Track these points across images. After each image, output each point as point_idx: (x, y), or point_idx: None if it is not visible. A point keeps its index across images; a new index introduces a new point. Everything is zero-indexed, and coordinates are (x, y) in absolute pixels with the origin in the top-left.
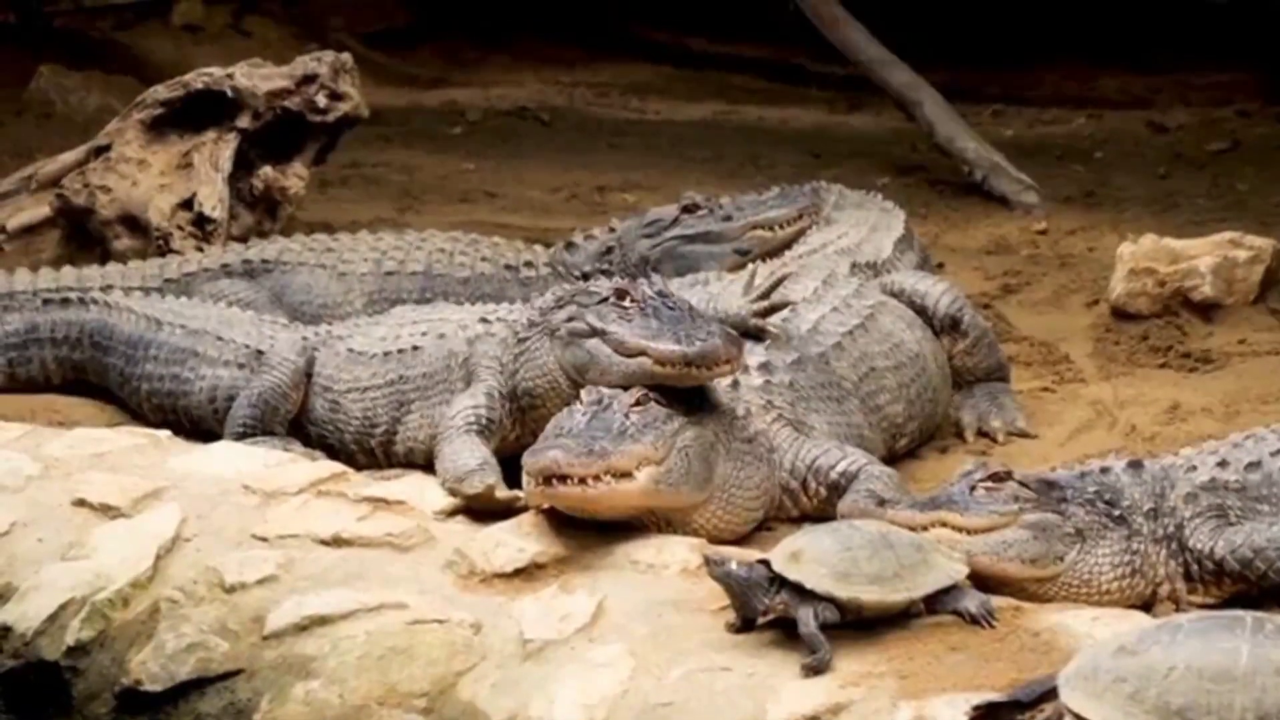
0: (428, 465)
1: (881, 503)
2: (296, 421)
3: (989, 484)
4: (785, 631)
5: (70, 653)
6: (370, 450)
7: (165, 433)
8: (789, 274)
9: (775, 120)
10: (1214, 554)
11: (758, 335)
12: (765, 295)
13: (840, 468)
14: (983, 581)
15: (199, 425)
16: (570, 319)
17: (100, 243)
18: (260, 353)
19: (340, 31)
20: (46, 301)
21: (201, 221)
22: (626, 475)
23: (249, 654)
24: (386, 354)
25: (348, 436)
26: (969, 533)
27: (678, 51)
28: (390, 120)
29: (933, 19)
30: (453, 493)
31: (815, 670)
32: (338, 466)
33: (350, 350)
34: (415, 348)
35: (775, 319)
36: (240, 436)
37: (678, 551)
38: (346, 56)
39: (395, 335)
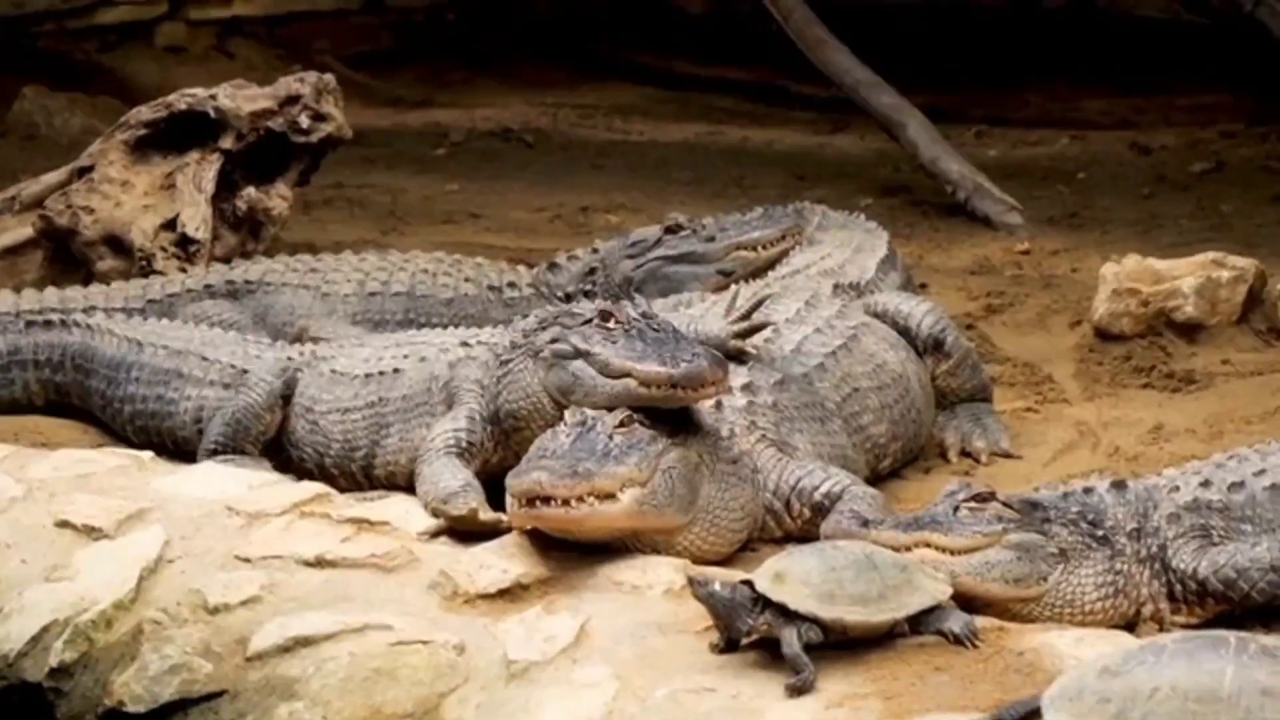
0: (409, 488)
1: (865, 523)
2: (279, 444)
3: (972, 504)
4: (770, 652)
5: (53, 674)
6: (351, 474)
7: (148, 454)
8: (770, 295)
9: (759, 142)
10: (1197, 574)
11: (738, 356)
12: (746, 316)
13: (824, 488)
14: (966, 602)
15: (183, 447)
16: (554, 340)
17: (84, 264)
18: (246, 371)
19: (324, 53)
20: (29, 323)
21: (185, 242)
22: (610, 497)
23: (233, 675)
24: (367, 376)
25: (328, 460)
26: (952, 553)
27: (662, 73)
28: (374, 142)
29: (916, 41)
30: (436, 514)
31: (799, 691)
32: (321, 487)
33: (333, 371)
34: (396, 370)
35: (756, 340)
36: (212, 454)
37: (662, 572)
38: (329, 77)
39: (377, 357)
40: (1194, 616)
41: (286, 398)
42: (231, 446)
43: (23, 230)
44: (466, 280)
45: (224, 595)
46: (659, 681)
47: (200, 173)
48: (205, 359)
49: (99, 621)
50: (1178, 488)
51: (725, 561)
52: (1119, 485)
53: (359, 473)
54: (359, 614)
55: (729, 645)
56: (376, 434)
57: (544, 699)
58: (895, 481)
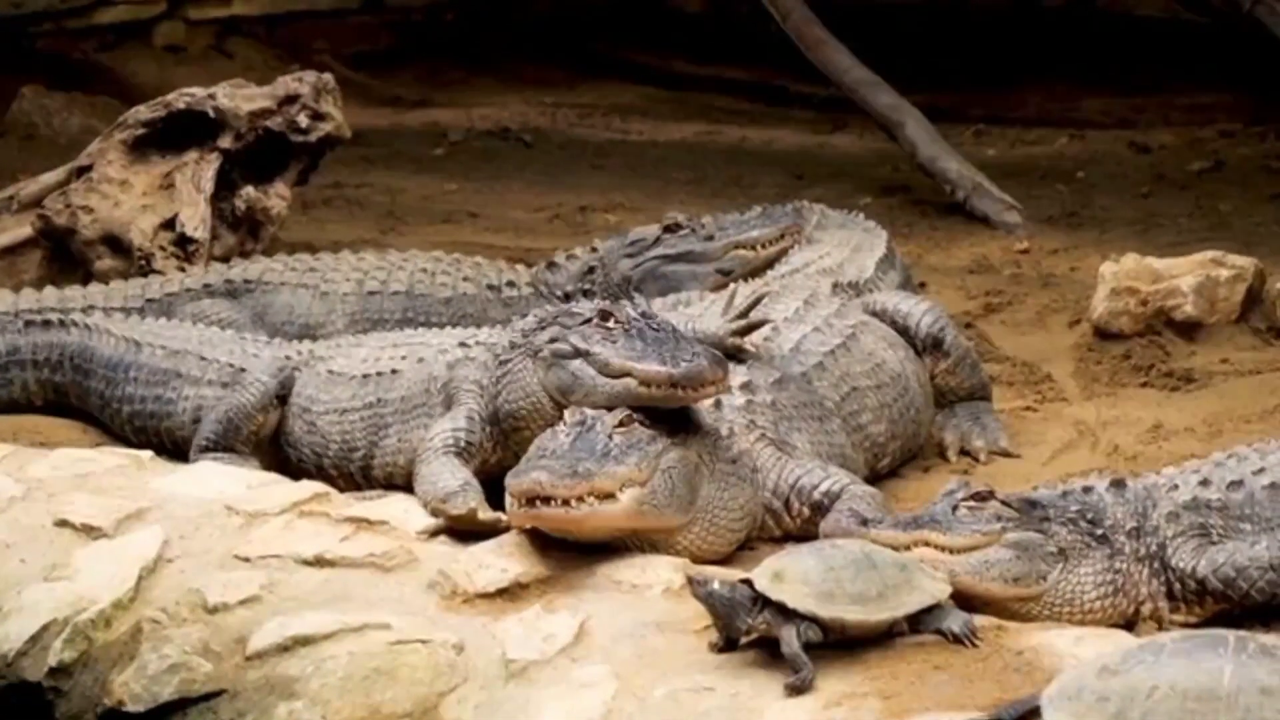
0: (408, 488)
1: (864, 522)
2: (278, 444)
3: (971, 503)
4: (769, 651)
5: (53, 674)
6: (350, 474)
7: (148, 453)
8: (768, 293)
9: (758, 141)
10: (1196, 573)
11: (736, 354)
12: (744, 314)
13: (823, 487)
14: (965, 601)
15: (182, 446)
16: (553, 340)
17: (82, 263)
18: (244, 370)
19: (323, 53)
20: (28, 323)
21: (184, 242)
22: (610, 497)
23: (232, 675)
24: (365, 376)
25: (326, 461)
26: (951, 552)
27: (661, 73)
28: (373, 141)
29: (915, 40)
30: (435, 514)
31: (798, 690)
32: (320, 487)
33: (330, 372)
34: (394, 371)
35: (755, 338)
36: (203, 450)
37: (661, 571)
38: (328, 77)
39: (375, 358)
40: (1193, 615)
41: (283, 398)
42: (223, 445)
43: (21, 230)
44: (465, 280)
45: (223, 595)
46: (658, 681)
47: (199, 172)
48: (203, 358)
49: (98, 621)
50: (1177, 486)
51: (724, 560)
52: (1118, 484)
53: (357, 473)
54: (358, 613)
55: (728, 644)
56: (375, 435)
57: (543, 698)
58: (894, 480)
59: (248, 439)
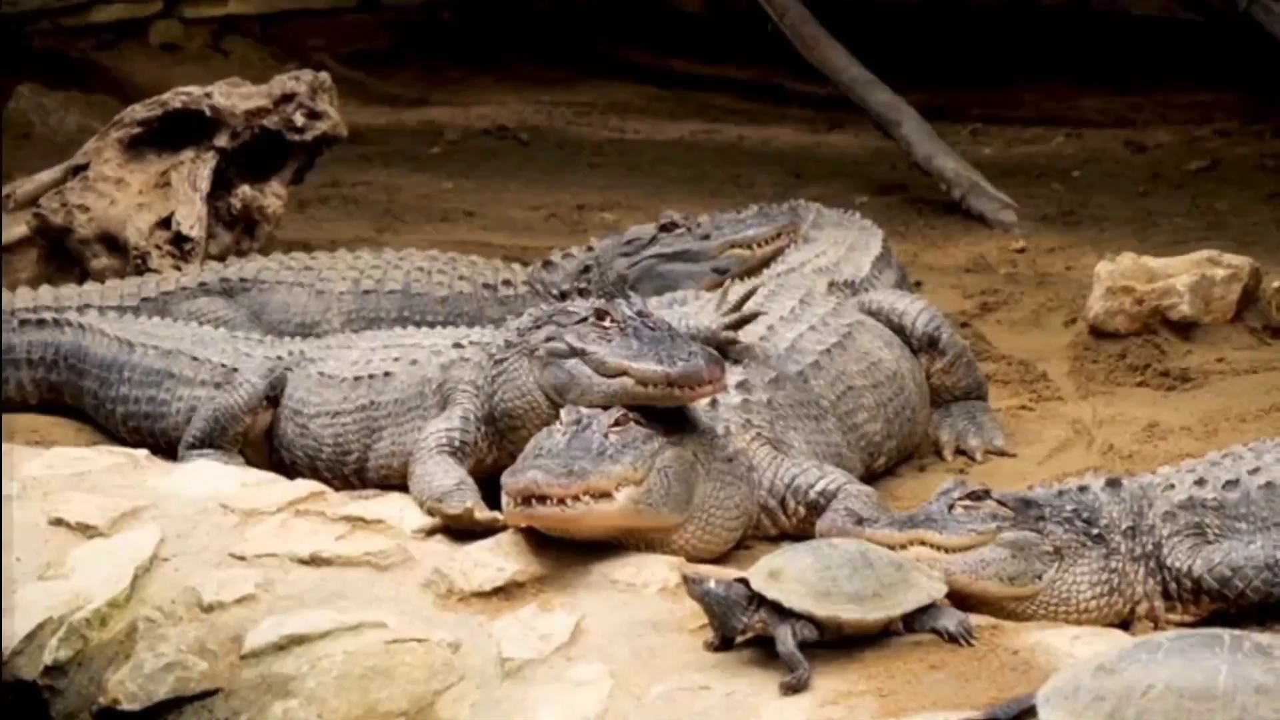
0: (403, 490)
1: (860, 521)
2: (270, 446)
3: (967, 502)
4: (764, 650)
5: (48, 672)
6: (345, 477)
7: (143, 452)
8: (761, 284)
9: (755, 140)
10: (1192, 572)
11: (729, 349)
12: (737, 308)
13: (819, 486)
14: (961, 600)
15: (176, 447)
16: (549, 339)
17: (79, 262)
18: (237, 370)
19: (320, 52)
20: (23, 322)
21: (180, 240)
22: (606, 496)
23: (227, 673)
24: (357, 379)
25: (320, 463)
26: (947, 551)
27: (658, 72)
28: (369, 140)
29: (912, 39)
30: (432, 513)
31: (794, 689)
32: (316, 485)
33: (321, 374)
34: (387, 374)
35: (751, 334)
36: (190, 448)
37: (657, 570)
38: (325, 75)
39: (367, 360)
40: (1189, 615)
41: (273, 399)
42: (209, 444)
43: (17, 229)
44: (461, 278)
45: (218, 593)
46: (654, 680)
47: (195, 171)
48: (196, 359)
49: (94, 620)
50: (1173, 486)
51: (720, 559)
52: (1114, 483)
53: (352, 476)
54: (354, 612)
55: (724, 643)
56: (368, 438)
57: (539, 697)
58: (890, 480)
59: (235, 439)
